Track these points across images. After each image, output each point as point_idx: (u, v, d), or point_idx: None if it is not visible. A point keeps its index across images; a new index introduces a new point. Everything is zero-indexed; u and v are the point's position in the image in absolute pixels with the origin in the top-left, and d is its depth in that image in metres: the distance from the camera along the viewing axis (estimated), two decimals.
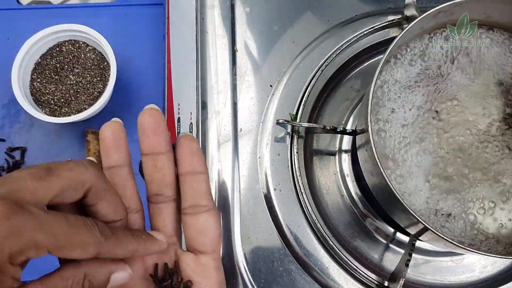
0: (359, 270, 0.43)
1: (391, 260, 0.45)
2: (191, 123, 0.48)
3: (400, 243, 0.45)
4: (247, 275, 0.43)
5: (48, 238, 0.20)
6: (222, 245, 0.44)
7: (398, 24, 0.49)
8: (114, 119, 0.26)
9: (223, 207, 0.45)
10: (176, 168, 0.27)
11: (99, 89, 0.58)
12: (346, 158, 0.47)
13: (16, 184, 0.20)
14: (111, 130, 0.26)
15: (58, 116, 0.57)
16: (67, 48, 0.59)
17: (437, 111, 0.38)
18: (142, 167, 0.27)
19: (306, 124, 0.44)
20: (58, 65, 0.58)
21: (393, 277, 0.43)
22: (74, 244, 0.21)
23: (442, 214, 0.37)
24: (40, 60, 0.58)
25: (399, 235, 0.45)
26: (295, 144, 0.46)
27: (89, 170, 0.23)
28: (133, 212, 0.27)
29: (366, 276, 0.43)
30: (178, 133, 0.52)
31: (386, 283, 0.43)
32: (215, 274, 0.27)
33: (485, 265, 0.45)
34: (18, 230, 0.19)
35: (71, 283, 0.22)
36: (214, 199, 0.45)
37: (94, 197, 0.23)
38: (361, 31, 0.49)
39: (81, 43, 0.59)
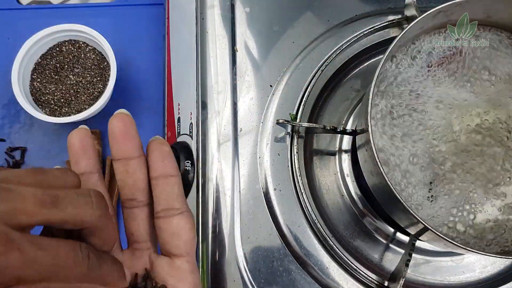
0: (359, 270, 0.43)
1: (391, 260, 0.45)
2: (191, 123, 0.48)
3: (400, 243, 0.45)
4: (247, 275, 0.43)
5: (33, 274, 0.19)
6: (222, 245, 0.44)
7: (398, 24, 0.49)
8: (81, 126, 0.26)
9: (223, 207, 0.45)
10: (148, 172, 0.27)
11: (99, 89, 0.58)
12: (346, 158, 0.47)
13: (18, 203, 0.19)
14: (78, 137, 0.26)
15: (58, 116, 0.57)
16: (67, 48, 0.59)
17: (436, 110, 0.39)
18: (114, 173, 0.27)
19: (306, 124, 0.44)
20: (58, 65, 0.58)
21: (393, 277, 0.43)
22: (58, 278, 0.20)
23: (442, 214, 0.37)
24: (40, 60, 0.58)
25: (399, 235, 0.45)
26: (295, 144, 0.46)
27: (95, 212, 0.22)
28: None
29: (366, 276, 0.43)
30: (178, 133, 0.52)
31: (386, 283, 0.43)
32: (190, 276, 0.27)
33: (485, 265, 0.45)
34: (3, 268, 0.19)
35: None
36: (213, 199, 0.45)
37: (88, 232, 0.23)
38: (361, 31, 0.49)
39: (81, 43, 0.59)
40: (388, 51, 0.35)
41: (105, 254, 0.24)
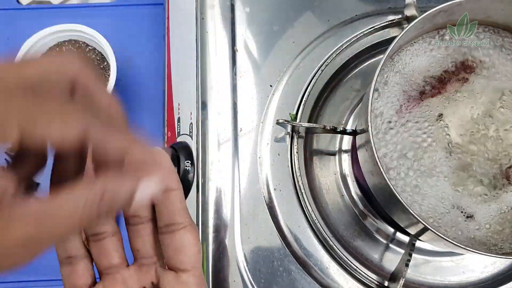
0: (359, 270, 0.43)
1: (391, 260, 0.45)
2: (191, 123, 0.48)
3: (400, 243, 0.45)
4: (247, 275, 0.43)
5: (15, 112, 0.17)
6: (222, 245, 0.44)
7: (398, 24, 0.49)
8: None
9: (223, 207, 0.45)
10: None
11: None
12: (346, 158, 0.47)
13: None
14: None
15: None
16: (67, 48, 0.59)
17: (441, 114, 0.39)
18: None
19: (306, 124, 0.44)
20: None
21: (393, 277, 0.43)
22: (51, 115, 0.18)
23: (442, 213, 0.37)
24: None
25: (399, 235, 0.45)
26: (295, 144, 0.46)
27: (73, 60, 0.21)
28: (110, 235, 0.27)
29: (366, 276, 0.43)
30: (178, 133, 0.52)
31: (386, 283, 0.43)
32: None
33: (485, 265, 0.45)
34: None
35: (86, 198, 0.20)
36: (214, 200, 0.45)
37: (83, 91, 0.21)
38: (361, 31, 0.49)
39: (81, 43, 0.59)
40: (388, 51, 0.35)
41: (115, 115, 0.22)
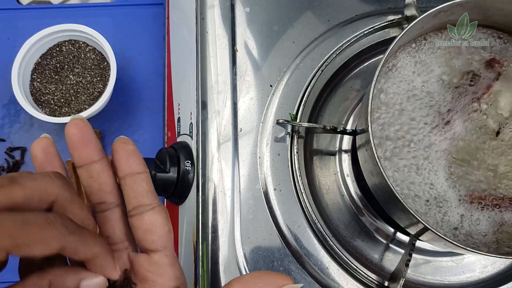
0: (359, 270, 0.43)
1: (391, 260, 0.45)
2: (191, 123, 0.48)
3: (400, 243, 0.45)
4: None
5: (4, 239, 0.19)
6: (222, 245, 0.44)
7: (398, 24, 0.49)
8: (43, 135, 0.27)
9: (223, 207, 0.45)
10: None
11: (99, 89, 0.58)
12: (346, 158, 0.47)
13: None
14: (40, 147, 0.26)
15: (58, 116, 0.57)
16: (67, 48, 0.59)
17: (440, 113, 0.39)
18: (80, 180, 0.28)
19: (306, 124, 0.44)
20: (58, 65, 0.58)
21: (393, 277, 0.43)
22: (35, 240, 0.20)
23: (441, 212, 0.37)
24: (40, 60, 0.58)
25: (399, 235, 0.45)
26: (295, 144, 0.46)
27: (55, 181, 0.23)
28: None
29: (366, 276, 0.43)
30: (178, 133, 0.52)
31: (386, 283, 0.43)
32: (170, 269, 0.27)
33: (485, 265, 0.45)
34: None
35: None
36: (213, 199, 0.45)
37: (60, 209, 0.23)
38: (361, 31, 0.49)
39: (81, 43, 0.59)
40: (388, 51, 0.35)
41: (86, 230, 0.24)
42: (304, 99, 0.47)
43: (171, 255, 0.28)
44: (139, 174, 0.27)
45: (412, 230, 0.38)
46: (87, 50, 0.59)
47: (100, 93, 0.57)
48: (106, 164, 0.27)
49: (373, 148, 0.33)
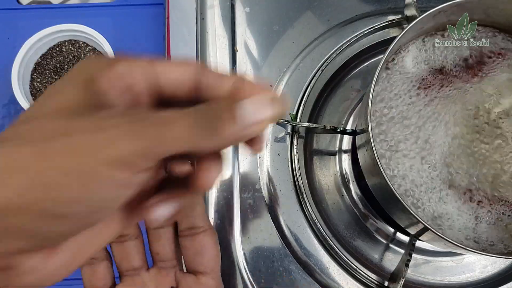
0: (359, 270, 0.43)
1: (391, 260, 0.45)
2: None
3: (400, 243, 0.45)
4: (247, 275, 0.43)
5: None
6: (222, 245, 0.44)
7: (398, 24, 0.49)
8: None
9: (223, 207, 0.45)
10: None
11: None
12: (346, 158, 0.47)
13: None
14: None
15: None
16: (67, 48, 0.59)
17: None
18: None
19: (306, 124, 0.44)
20: (58, 65, 0.58)
21: (393, 277, 0.43)
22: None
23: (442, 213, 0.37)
24: (40, 60, 0.58)
25: (399, 235, 0.45)
26: (295, 144, 0.46)
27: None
28: (132, 238, 0.28)
29: (366, 276, 0.43)
30: None
31: (386, 283, 0.43)
32: None
33: (485, 265, 0.45)
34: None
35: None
36: (214, 200, 0.45)
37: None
38: (361, 31, 0.49)
39: (81, 43, 0.59)
40: (389, 51, 0.35)
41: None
42: (304, 99, 0.47)
43: (217, 278, 0.28)
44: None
45: (412, 230, 0.38)
46: (87, 50, 0.59)
47: None
48: None
49: (373, 148, 0.33)
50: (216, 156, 0.19)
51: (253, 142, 0.20)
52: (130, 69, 0.18)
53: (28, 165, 0.15)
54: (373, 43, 0.49)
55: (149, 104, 0.19)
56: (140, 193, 0.19)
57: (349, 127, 0.47)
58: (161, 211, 0.19)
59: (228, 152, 0.47)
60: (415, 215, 0.31)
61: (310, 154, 0.47)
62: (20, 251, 0.16)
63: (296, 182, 0.45)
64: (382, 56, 0.35)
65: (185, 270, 0.29)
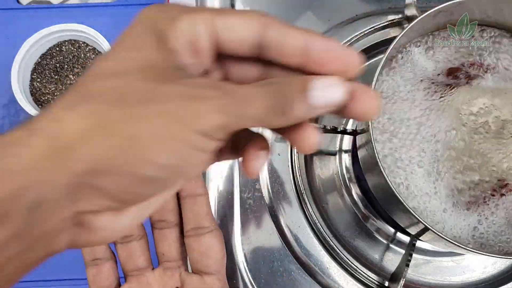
0: (359, 270, 0.43)
1: (391, 260, 0.45)
2: None
3: (400, 243, 0.45)
4: (247, 275, 0.43)
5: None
6: None
7: (398, 24, 0.49)
8: None
9: (223, 207, 0.45)
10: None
11: None
12: (346, 158, 0.47)
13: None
14: None
15: None
16: (67, 48, 0.59)
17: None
18: None
19: None
20: (58, 65, 0.58)
21: (394, 277, 0.43)
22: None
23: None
24: (40, 60, 0.58)
25: (400, 235, 0.45)
26: None
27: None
28: (137, 238, 0.28)
29: (366, 276, 0.43)
30: None
31: (386, 283, 0.43)
32: None
33: (486, 265, 0.45)
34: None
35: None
36: (214, 200, 0.45)
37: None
38: (361, 31, 0.49)
39: (81, 43, 0.59)
40: (389, 51, 0.35)
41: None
42: None
43: (223, 279, 0.28)
44: (200, 196, 0.28)
45: (413, 230, 0.38)
46: (87, 50, 0.59)
47: None
48: None
49: (374, 148, 0.33)
50: (263, 144, 0.21)
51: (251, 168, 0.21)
52: (195, 25, 0.18)
53: (120, 128, 0.16)
54: (373, 43, 0.49)
55: (210, 61, 0.19)
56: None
57: (349, 127, 0.47)
58: (260, 160, 0.21)
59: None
60: (416, 215, 0.31)
61: (310, 154, 0.47)
62: (97, 211, 0.17)
63: (296, 182, 0.45)
64: (382, 56, 0.35)
65: (190, 270, 0.29)
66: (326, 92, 0.17)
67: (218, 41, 0.18)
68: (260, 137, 0.21)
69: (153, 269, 0.29)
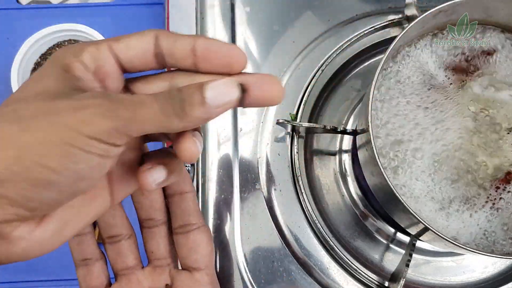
0: (359, 271, 0.43)
1: (391, 261, 0.45)
2: None
3: (400, 243, 0.45)
4: (247, 275, 0.43)
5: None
6: (222, 245, 0.44)
7: (398, 24, 0.49)
8: None
9: (223, 207, 0.45)
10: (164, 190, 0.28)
11: None
12: (346, 158, 0.47)
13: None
14: None
15: None
16: None
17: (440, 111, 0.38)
18: (132, 196, 0.28)
19: (306, 124, 0.44)
20: None
21: (394, 277, 0.43)
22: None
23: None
24: (40, 60, 0.58)
25: (400, 235, 0.45)
26: (295, 144, 0.46)
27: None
28: (125, 238, 0.28)
29: (366, 276, 0.43)
30: None
31: (386, 284, 0.43)
32: None
33: (486, 265, 0.45)
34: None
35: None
36: (214, 200, 0.45)
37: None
38: (361, 31, 0.49)
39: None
40: (389, 51, 0.35)
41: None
42: (304, 99, 0.47)
43: (212, 274, 0.29)
44: (187, 193, 0.28)
45: (413, 230, 0.38)
46: None
47: None
48: None
49: (374, 148, 0.33)
50: (190, 132, 0.21)
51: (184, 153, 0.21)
52: (97, 54, 0.20)
53: (15, 139, 0.17)
54: (374, 42, 0.49)
55: (122, 79, 0.22)
56: (125, 168, 0.22)
57: (349, 127, 0.47)
58: (156, 174, 0.21)
59: (228, 152, 0.46)
60: (416, 215, 0.31)
61: (310, 154, 0.47)
62: (9, 220, 0.18)
63: (296, 182, 0.45)
64: (382, 55, 0.35)
65: (179, 267, 0.29)
66: (220, 90, 0.19)
67: (122, 62, 0.21)
68: (169, 155, 0.23)
69: (143, 267, 0.29)
